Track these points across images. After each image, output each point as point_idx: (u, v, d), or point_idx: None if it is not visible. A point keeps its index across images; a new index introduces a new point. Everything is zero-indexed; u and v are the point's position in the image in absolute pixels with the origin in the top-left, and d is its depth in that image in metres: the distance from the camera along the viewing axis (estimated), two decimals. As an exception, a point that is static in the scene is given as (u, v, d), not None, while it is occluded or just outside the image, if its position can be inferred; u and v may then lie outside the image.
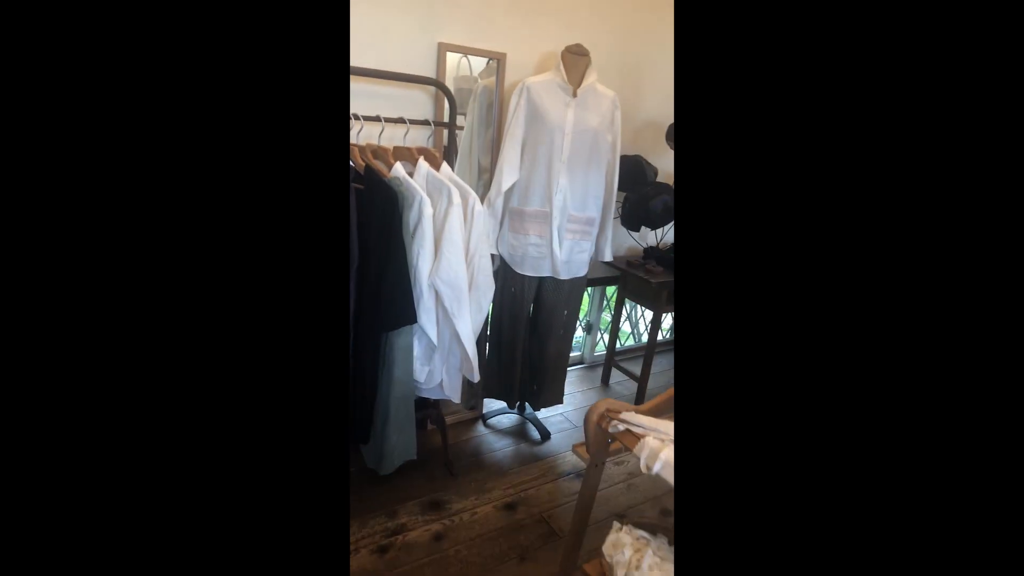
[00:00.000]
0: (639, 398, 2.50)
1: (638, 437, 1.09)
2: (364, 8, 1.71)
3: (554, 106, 1.82)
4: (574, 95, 1.83)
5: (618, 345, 2.86)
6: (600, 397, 2.50)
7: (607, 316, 2.89)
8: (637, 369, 2.51)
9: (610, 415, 1.15)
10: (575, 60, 1.83)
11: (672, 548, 1.08)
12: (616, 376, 2.74)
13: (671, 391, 1.31)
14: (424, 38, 1.82)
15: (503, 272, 2.00)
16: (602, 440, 1.19)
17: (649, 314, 3.06)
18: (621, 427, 1.13)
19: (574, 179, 1.88)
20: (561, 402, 2.27)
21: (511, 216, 1.94)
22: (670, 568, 1.03)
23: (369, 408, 1.71)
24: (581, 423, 2.31)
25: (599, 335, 2.94)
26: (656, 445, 1.06)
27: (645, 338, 3.12)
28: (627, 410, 1.15)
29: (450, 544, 1.64)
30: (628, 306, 3.06)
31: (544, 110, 1.82)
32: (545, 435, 2.22)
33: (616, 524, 1.15)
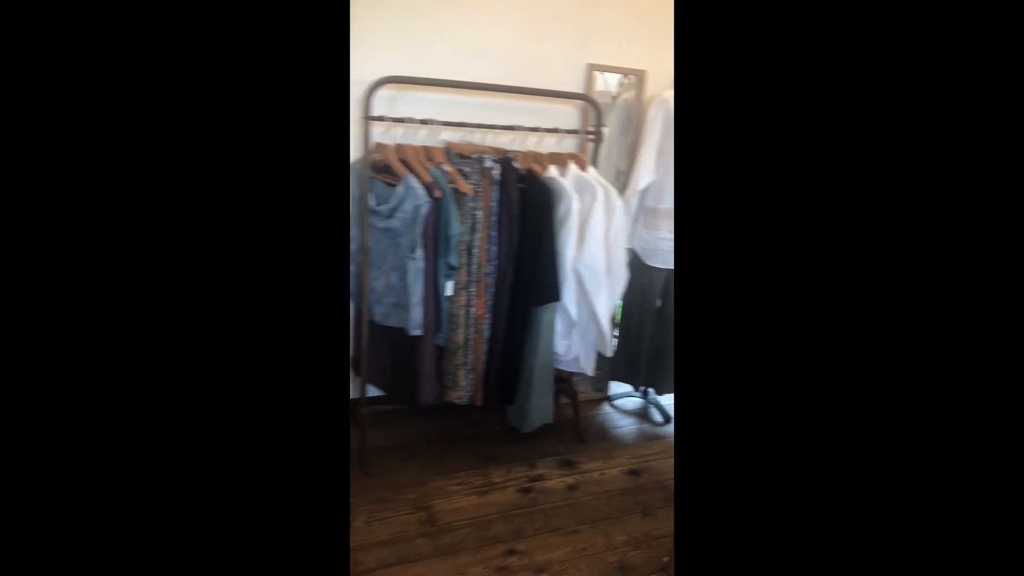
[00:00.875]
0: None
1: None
2: (523, 35, 2.04)
3: (689, 115, 2.03)
4: (709, 104, 2.02)
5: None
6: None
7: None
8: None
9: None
10: (711, 73, 2.02)
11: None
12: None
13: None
14: (576, 58, 2.12)
15: (634, 265, 2.22)
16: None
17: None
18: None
19: (706, 180, 2.06)
20: (683, 390, 2.43)
21: (645, 213, 2.16)
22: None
23: (516, 372, 2.02)
24: (702, 412, 2.45)
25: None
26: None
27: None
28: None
29: (582, 494, 1.89)
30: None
31: (680, 119, 2.03)
32: (667, 418, 2.40)
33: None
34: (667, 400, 2.51)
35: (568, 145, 2.17)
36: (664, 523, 1.78)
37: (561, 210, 1.87)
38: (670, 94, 2.06)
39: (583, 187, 1.89)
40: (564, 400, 2.34)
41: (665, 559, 1.63)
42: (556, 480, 1.95)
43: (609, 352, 1.99)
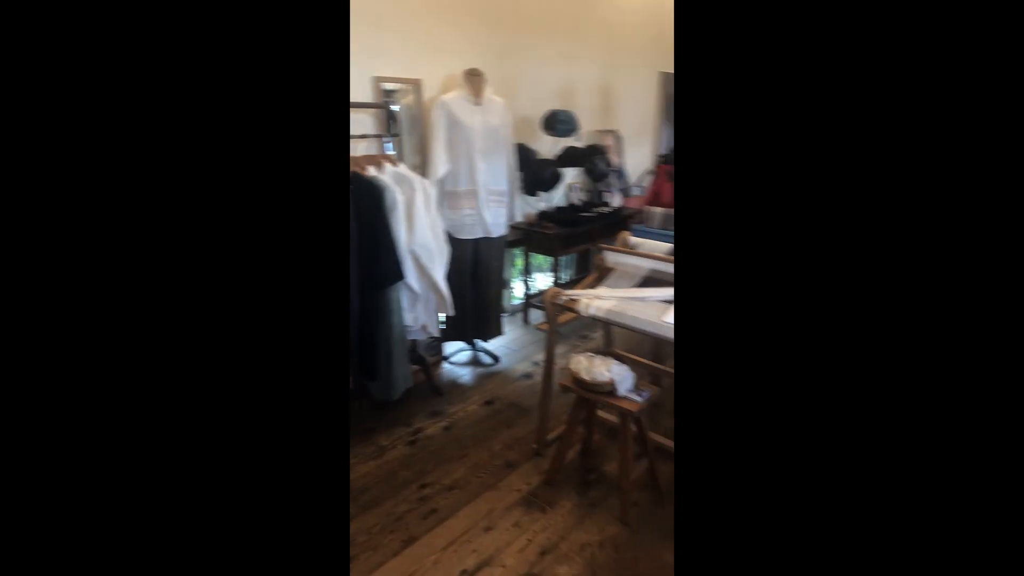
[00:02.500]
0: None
1: (576, 301, 1.86)
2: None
3: (465, 114, 2.53)
4: (478, 104, 2.55)
5: (531, 290, 3.65)
6: (524, 331, 3.27)
7: (517, 275, 3.66)
8: (549, 302, 3.31)
9: (559, 295, 1.91)
10: (474, 79, 2.55)
11: (607, 357, 1.85)
12: (533, 314, 3.53)
13: (589, 279, 2.10)
14: (363, 73, 2.42)
15: (448, 240, 2.67)
16: (555, 312, 1.95)
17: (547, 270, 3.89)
18: (564, 299, 1.89)
19: (488, 163, 2.61)
20: (502, 333, 3.01)
21: (447, 197, 2.61)
22: (607, 362, 1.81)
23: (375, 351, 2.30)
24: (519, 350, 3.06)
25: (511, 290, 3.71)
26: (588, 300, 1.84)
27: (551, 281, 3.95)
28: (567, 291, 1.92)
29: (457, 430, 2.31)
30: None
31: (459, 117, 2.51)
32: (496, 358, 2.94)
33: (574, 355, 1.92)
34: (491, 345, 3.06)
35: (364, 149, 2.48)
36: (523, 428, 2.32)
37: (388, 202, 2.19)
38: (447, 96, 2.52)
39: (401, 180, 2.24)
40: (414, 367, 2.69)
41: (534, 446, 2.16)
42: (433, 427, 2.33)
43: (451, 312, 2.41)
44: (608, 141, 3.68)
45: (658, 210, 3.39)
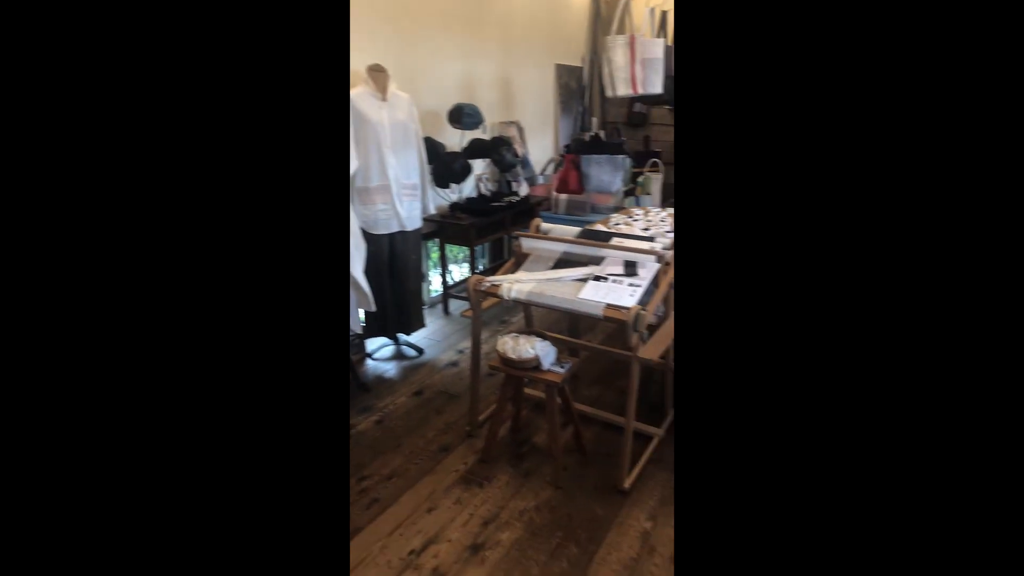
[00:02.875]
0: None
1: (498, 287, 1.97)
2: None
3: (372, 109, 2.53)
4: (384, 99, 2.56)
5: (449, 281, 3.71)
6: (445, 322, 3.35)
7: (434, 268, 3.71)
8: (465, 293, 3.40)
9: (481, 281, 2.00)
10: (378, 75, 2.56)
11: (530, 336, 1.98)
12: (453, 304, 3.61)
13: (508, 264, 2.22)
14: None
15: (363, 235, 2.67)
16: (478, 299, 2.04)
17: (463, 261, 3.97)
18: (487, 285, 2.00)
19: (398, 158, 2.64)
20: (424, 326, 3.06)
21: (359, 193, 2.61)
22: (530, 340, 1.94)
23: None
24: (442, 340, 3.13)
25: (430, 282, 3.75)
26: (509, 285, 1.95)
27: (467, 271, 4.03)
28: (488, 277, 2.02)
29: (389, 422, 2.35)
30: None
31: (366, 113, 2.52)
32: (420, 351, 2.99)
33: (500, 337, 2.03)
34: (413, 338, 3.10)
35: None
36: (454, 413, 2.41)
37: (301, 202, 2.17)
38: (352, 92, 2.51)
39: (312, 180, 2.22)
40: (338, 366, 2.68)
41: (467, 428, 2.26)
42: (364, 423, 2.35)
43: (372, 307, 2.43)
44: (512, 132, 3.81)
45: (563, 197, 3.58)
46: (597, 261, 2.03)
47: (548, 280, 1.99)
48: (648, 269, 1.93)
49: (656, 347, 1.87)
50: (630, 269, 1.95)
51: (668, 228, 2.47)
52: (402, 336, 3.04)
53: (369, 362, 2.91)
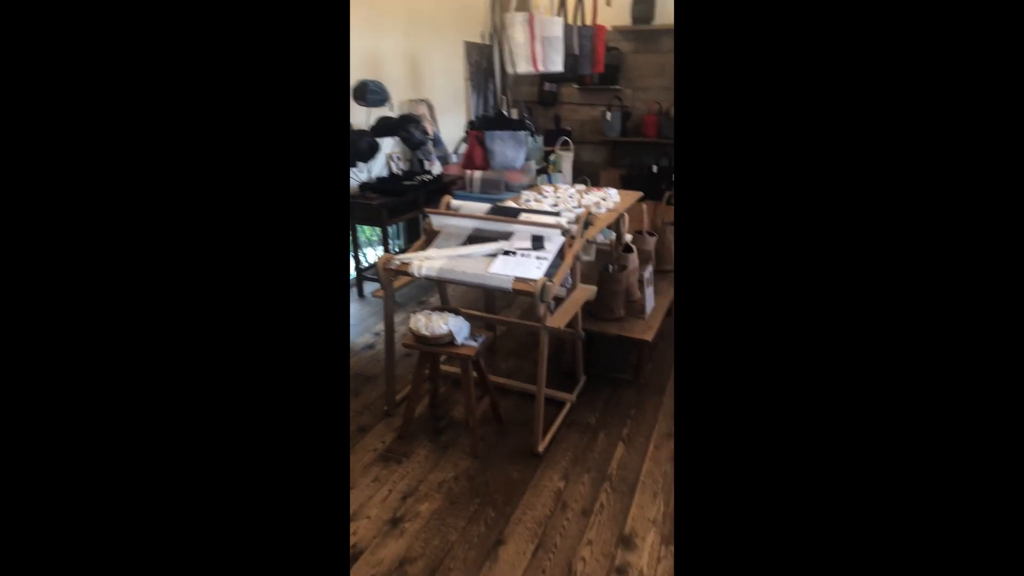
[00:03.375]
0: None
1: (408, 264, 1.97)
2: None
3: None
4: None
5: (362, 264, 3.64)
6: (360, 305, 3.30)
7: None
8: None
9: (391, 260, 2.00)
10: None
11: (443, 312, 2.01)
12: (367, 287, 3.55)
13: (418, 243, 2.22)
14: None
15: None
16: (389, 278, 2.04)
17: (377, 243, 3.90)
18: (397, 264, 1.99)
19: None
20: (338, 309, 2.99)
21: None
22: (443, 316, 1.96)
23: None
24: (357, 323, 3.08)
25: (343, 263, 3.66)
26: (419, 262, 1.96)
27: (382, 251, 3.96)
28: (399, 256, 2.02)
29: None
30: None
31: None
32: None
33: (413, 315, 2.04)
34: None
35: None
36: (371, 394, 2.40)
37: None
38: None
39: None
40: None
41: (384, 408, 2.26)
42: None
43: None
44: (421, 110, 3.76)
45: (476, 174, 3.60)
46: (507, 237, 2.08)
47: (459, 256, 2.01)
48: (554, 243, 2.01)
49: (563, 316, 1.96)
50: (537, 243, 2.02)
51: (575, 204, 2.56)
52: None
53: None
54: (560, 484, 1.87)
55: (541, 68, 2.80)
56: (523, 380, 2.42)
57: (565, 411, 2.23)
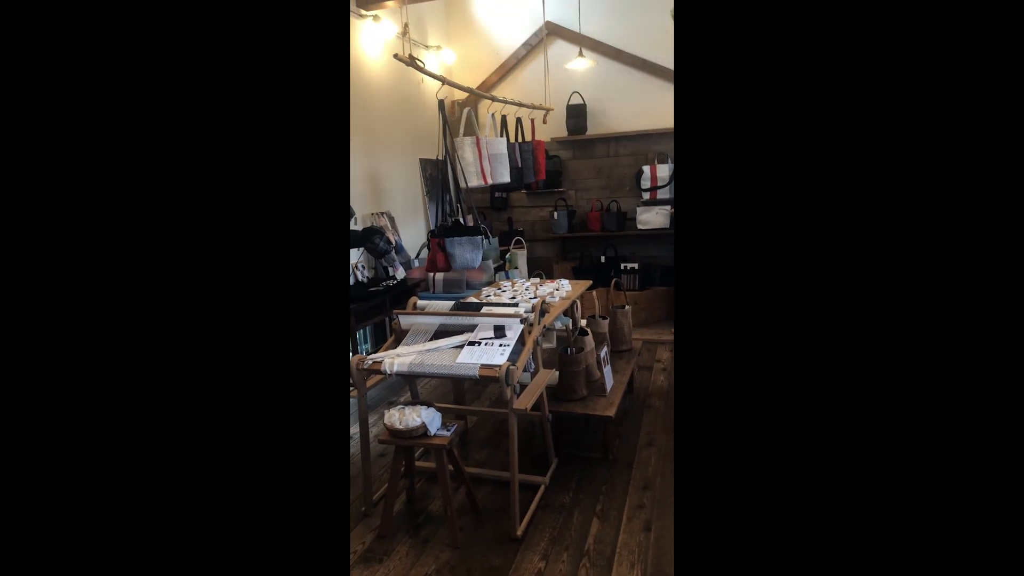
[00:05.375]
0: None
1: (379, 363, 2.11)
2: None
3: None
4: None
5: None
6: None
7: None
8: (352, 377, 3.44)
9: (363, 360, 2.13)
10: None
11: (415, 406, 2.12)
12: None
13: (388, 342, 2.36)
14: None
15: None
16: (362, 377, 2.15)
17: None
18: (369, 362, 2.13)
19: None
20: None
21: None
22: (416, 409, 2.07)
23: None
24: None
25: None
26: (390, 360, 2.10)
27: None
28: (369, 356, 2.16)
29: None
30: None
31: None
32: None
33: (387, 411, 2.13)
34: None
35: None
36: (351, 504, 2.40)
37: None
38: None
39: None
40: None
41: (363, 508, 2.27)
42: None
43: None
44: (383, 222, 4.05)
45: (439, 276, 3.83)
46: (471, 329, 2.26)
47: (427, 351, 2.17)
48: (514, 331, 2.20)
49: (528, 398, 2.10)
50: (499, 332, 2.20)
51: (531, 295, 2.79)
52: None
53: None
54: (540, 565, 1.90)
55: (490, 181, 3.15)
56: (497, 468, 2.48)
57: (540, 493, 2.30)
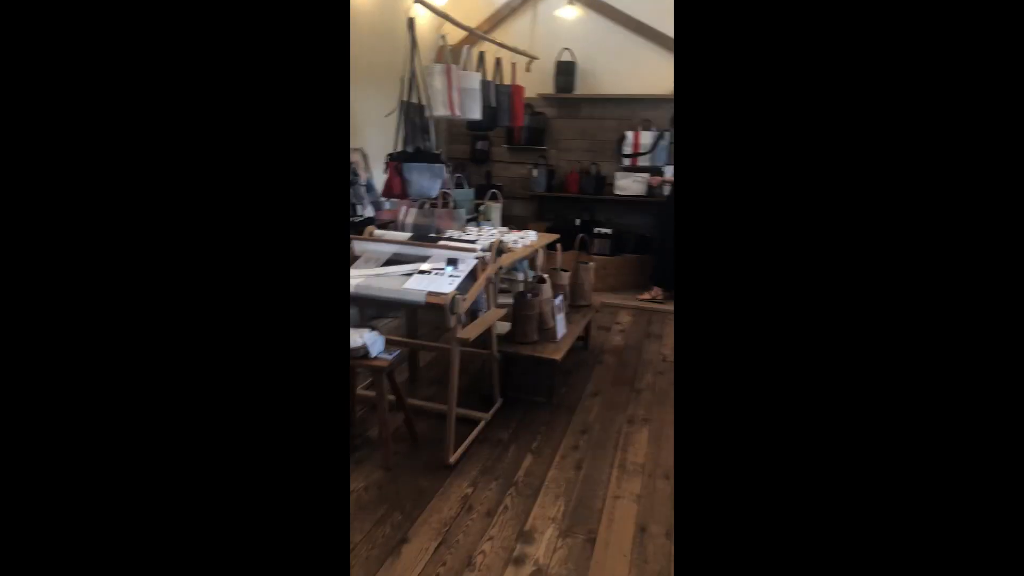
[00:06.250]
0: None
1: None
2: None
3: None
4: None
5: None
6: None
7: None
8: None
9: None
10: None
11: (360, 328, 2.10)
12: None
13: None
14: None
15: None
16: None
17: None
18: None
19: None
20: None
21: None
22: (359, 331, 2.05)
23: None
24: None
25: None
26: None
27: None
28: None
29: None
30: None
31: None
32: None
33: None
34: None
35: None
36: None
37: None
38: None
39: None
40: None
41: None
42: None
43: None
44: (356, 159, 3.96)
45: (408, 219, 3.78)
46: (424, 260, 2.24)
47: (376, 275, 2.14)
48: (466, 264, 2.18)
49: (474, 330, 2.10)
50: (451, 264, 2.18)
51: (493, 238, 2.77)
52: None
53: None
54: (468, 490, 1.93)
55: (458, 113, 3.08)
56: (442, 404, 2.50)
57: (479, 428, 2.32)
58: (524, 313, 2.58)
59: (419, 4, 2.80)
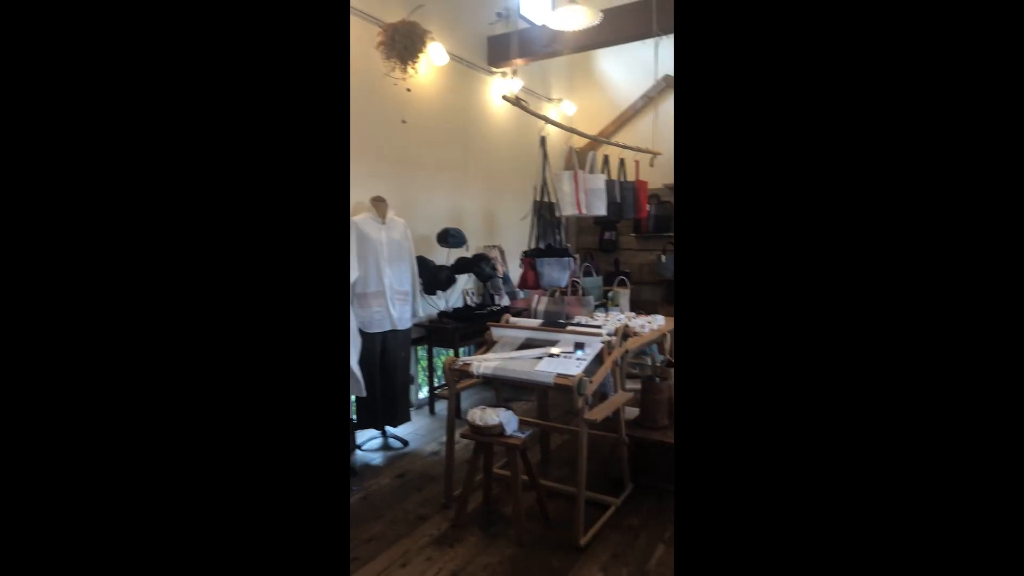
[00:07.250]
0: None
1: (469, 365, 2.34)
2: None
3: (372, 230, 3.09)
4: (383, 223, 3.14)
5: (436, 384, 4.03)
6: (431, 420, 3.63)
7: (422, 372, 4.07)
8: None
9: (455, 362, 2.38)
10: (379, 204, 3.16)
11: (497, 408, 2.30)
12: (439, 405, 3.90)
13: (480, 350, 2.60)
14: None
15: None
16: (453, 377, 2.40)
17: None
18: (460, 364, 2.37)
19: (393, 269, 3.14)
20: (409, 419, 3.34)
21: (358, 298, 3.07)
22: (496, 410, 2.25)
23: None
24: (426, 435, 3.39)
25: (418, 385, 4.09)
26: (478, 363, 2.33)
27: (450, 381, 4.36)
28: (462, 359, 2.40)
29: (372, 498, 2.56)
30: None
31: (367, 233, 3.07)
32: (405, 442, 3.24)
33: (471, 409, 2.34)
34: (400, 431, 3.36)
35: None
36: (432, 490, 2.62)
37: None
38: (356, 217, 3.09)
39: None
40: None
41: (443, 500, 2.47)
42: (353, 499, 2.56)
43: (363, 392, 2.77)
44: (494, 254, 4.40)
45: (540, 305, 4.05)
46: (554, 344, 2.42)
47: (510, 358, 2.36)
48: (593, 347, 2.32)
49: (600, 412, 2.19)
50: (579, 347, 2.33)
51: (619, 323, 2.89)
52: (389, 428, 3.31)
53: (358, 452, 3.15)
54: (599, 574, 1.94)
55: (585, 211, 3.35)
56: (573, 486, 2.55)
57: (609, 513, 2.33)
58: (653, 397, 2.60)
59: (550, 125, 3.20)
